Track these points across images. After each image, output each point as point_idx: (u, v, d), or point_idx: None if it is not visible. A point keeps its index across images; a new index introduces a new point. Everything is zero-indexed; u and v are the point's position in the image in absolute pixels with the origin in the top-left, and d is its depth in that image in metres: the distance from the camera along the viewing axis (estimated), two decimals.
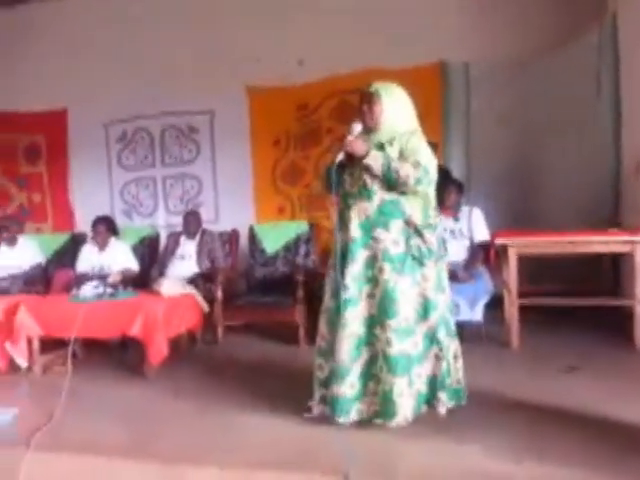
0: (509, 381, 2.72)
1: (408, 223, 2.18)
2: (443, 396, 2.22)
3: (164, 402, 2.64)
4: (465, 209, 3.79)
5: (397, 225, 2.16)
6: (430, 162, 2.19)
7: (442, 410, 2.22)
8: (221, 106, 5.32)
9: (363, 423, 2.17)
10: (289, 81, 5.03)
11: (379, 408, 2.15)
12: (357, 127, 2.19)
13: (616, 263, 4.08)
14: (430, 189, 2.22)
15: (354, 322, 2.14)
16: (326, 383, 2.22)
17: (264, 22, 5.13)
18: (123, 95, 5.45)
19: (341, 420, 2.13)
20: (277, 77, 5.08)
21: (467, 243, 3.72)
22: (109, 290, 3.32)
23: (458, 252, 3.70)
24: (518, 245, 3.38)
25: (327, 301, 2.27)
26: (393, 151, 2.18)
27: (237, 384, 2.82)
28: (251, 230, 4.57)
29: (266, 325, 3.86)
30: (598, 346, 3.33)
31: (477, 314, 3.43)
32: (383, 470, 1.87)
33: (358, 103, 2.25)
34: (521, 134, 4.75)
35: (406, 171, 2.10)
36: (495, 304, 3.63)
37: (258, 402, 2.49)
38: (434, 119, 4.98)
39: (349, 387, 2.15)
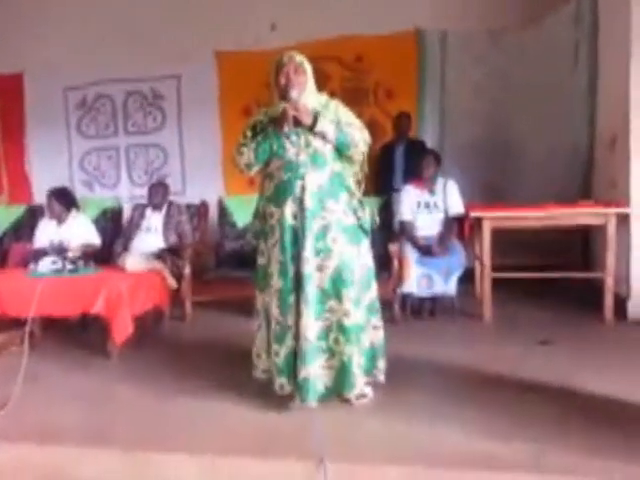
0: (483, 356, 2.70)
1: (352, 196, 2.20)
2: (382, 364, 2.24)
3: (127, 385, 2.51)
4: (440, 181, 3.71)
5: (344, 197, 2.18)
6: None
7: (381, 378, 2.23)
8: (188, 71, 5.08)
9: (321, 400, 2.10)
10: (260, 46, 4.79)
11: (336, 381, 2.12)
12: (295, 92, 2.09)
13: (585, 236, 4.11)
14: None
15: (312, 298, 2.06)
16: (284, 369, 2.11)
17: None
18: (83, 59, 5.13)
19: (311, 403, 2.05)
20: (248, 41, 4.85)
21: (441, 216, 3.66)
22: (69, 266, 3.14)
23: (432, 225, 3.64)
24: (493, 218, 3.34)
25: (275, 282, 2.11)
26: (329, 116, 2.13)
27: (204, 365, 2.72)
28: (220, 203, 4.39)
29: (236, 300, 3.74)
30: (569, 319, 3.36)
31: (451, 288, 3.41)
32: (358, 453, 1.82)
33: (281, 72, 2.12)
34: (496, 105, 4.70)
35: (358, 133, 2.15)
36: (466, 278, 3.62)
37: (226, 385, 2.39)
38: (409, 88, 4.88)
39: (317, 367, 2.07)
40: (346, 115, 2.18)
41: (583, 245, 4.15)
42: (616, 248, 3.23)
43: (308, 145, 2.11)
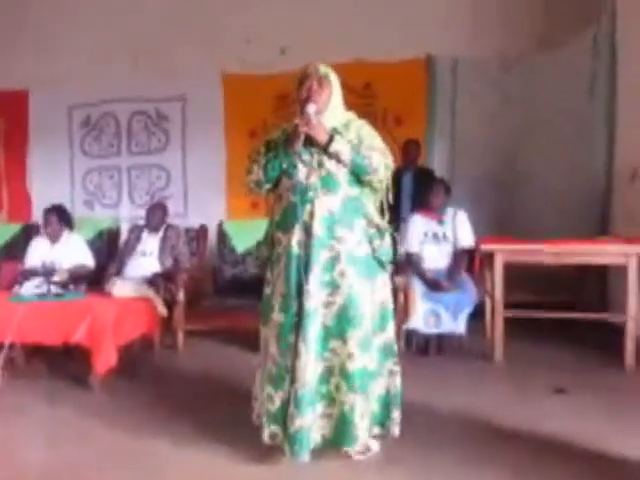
0: (495, 404, 2.47)
1: (369, 224, 1.98)
2: (396, 415, 1.99)
3: (102, 422, 2.30)
4: (450, 211, 3.53)
5: (360, 225, 1.96)
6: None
7: (396, 431, 1.99)
8: (194, 92, 5.01)
9: (315, 453, 1.85)
10: (268, 69, 4.72)
11: (335, 433, 1.87)
12: (312, 108, 1.87)
13: (602, 273, 3.89)
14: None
15: (314, 337, 1.84)
16: (278, 417, 1.88)
17: (246, 6, 4.83)
18: (89, 78, 5.08)
19: (304, 458, 1.81)
20: (256, 64, 4.77)
21: (450, 248, 3.47)
22: (54, 289, 2.98)
23: (440, 258, 3.45)
24: (506, 252, 3.15)
25: (276, 316, 1.90)
26: (350, 136, 1.94)
27: (191, 404, 2.51)
28: (220, 227, 4.24)
29: (234, 331, 3.52)
30: (585, 363, 3.13)
31: (460, 326, 3.18)
32: None
33: (303, 85, 1.94)
34: (508, 135, 4.57)
35: (377, 157, 1.93)
36: (476, 314, 3.39)
37: (214, 429, 2.17)
38: (418, 115, 4.77)
39: (311, 415, 1.83)
40: (370, 137, 1.98)
41: (600, 282, 3.93)
42: (637, 289, 3.01)
43: (321, 166, 1.91)
